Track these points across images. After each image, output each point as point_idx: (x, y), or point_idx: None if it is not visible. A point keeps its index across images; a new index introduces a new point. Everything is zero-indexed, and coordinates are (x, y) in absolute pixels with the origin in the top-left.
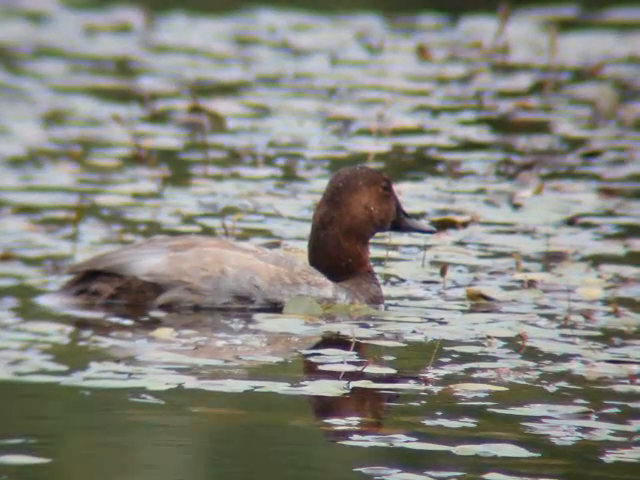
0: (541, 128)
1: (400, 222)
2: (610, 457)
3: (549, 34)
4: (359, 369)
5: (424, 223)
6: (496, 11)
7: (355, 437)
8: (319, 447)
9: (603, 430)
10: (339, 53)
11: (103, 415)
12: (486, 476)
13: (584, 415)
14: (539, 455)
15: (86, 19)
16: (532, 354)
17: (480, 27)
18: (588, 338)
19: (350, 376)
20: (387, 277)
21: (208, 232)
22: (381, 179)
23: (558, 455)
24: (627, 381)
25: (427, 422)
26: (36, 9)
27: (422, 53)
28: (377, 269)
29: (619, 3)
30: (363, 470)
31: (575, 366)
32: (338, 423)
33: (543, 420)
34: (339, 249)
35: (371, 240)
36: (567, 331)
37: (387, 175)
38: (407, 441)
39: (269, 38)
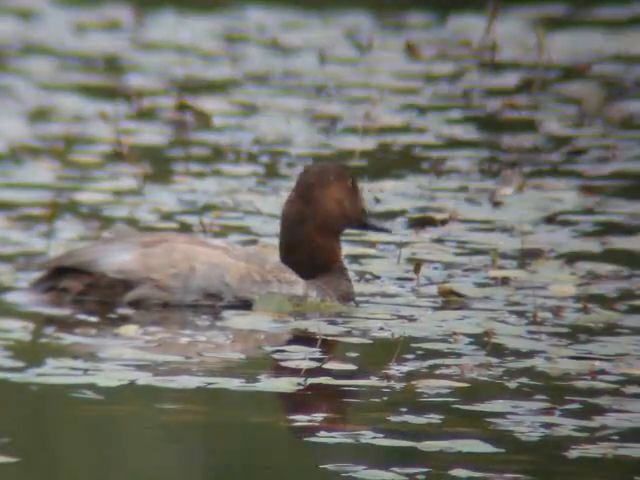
0: (528, 126)
1: (365, 220)
2: (574, 452)
3: (537, 32)
4: (321, 366)
5: (384, 222)
6: (484, 9)
7: (320, 434)
8: (283, 444)
9: (566, 426)
10: (328, 51)
11: (47, 411)
12: (452, 472)
13: (548, 411)
14: (504, 451)
15: (75, 16)
16: (497, 350)
17: (469, 25)
18: (554, 335)
19: (311, 373)
20: (362, 274)
21: (186, 229)
22: (348, 174)
23: (523, 450)
24: (589, 377)
25: (392, 418)
26: (25, 6)
27: (411, 51)
28: (353, 266)
29: (607, 1)
30: (329, 467)
31: (539, 362)
32: (301, 420)
33: (507, 416)
34: (314, 246)
35: (352, 238)
36: (534, 328)
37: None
38: (373, 437)
39: (258, 36)
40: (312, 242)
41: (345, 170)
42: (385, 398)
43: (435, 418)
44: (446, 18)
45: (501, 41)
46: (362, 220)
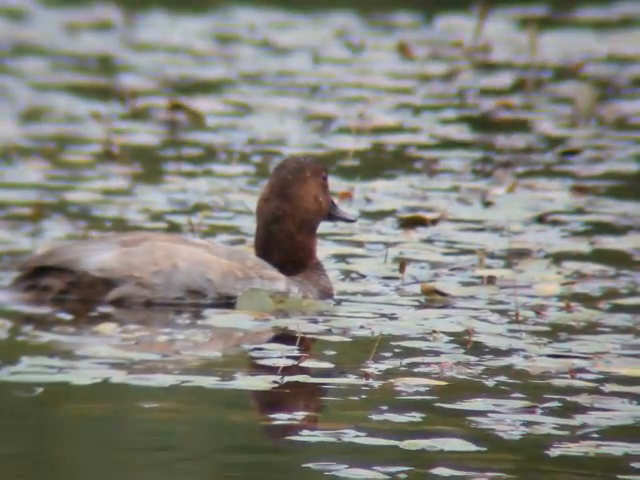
0: (522, 126)
1: (332, 211)
2: (555, 451)
3: (529, 32)
4: (298, 364)
5: (349, 212)
6: (469, 9)
7: (301, 433)
8: (265, 443)
9: (547, 424)
10: (321, 51)
11: (20, 410)
12: (433, 470)
13: (528, 409)
14: (485, 449)
15: (66, 16)
16: (477, 349)
17: (456, 25)
18: (535, 333)
19: (289, 371)
20: (348, 273)
21: (175, 229)
22: (322, 169)
23: (504, 449)
24: (568, 375)
25: (372, 417)
26: (15, 6)
27: (403, 51)
28: (340, 265)
29: (588, 2)
30: (311, 466)
31: (518, 361)
32: (279, 419)
33: (488, 414)
34: (293, 243)
35: (340, 237)
36: (515, 326)
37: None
38: (355, 436)
39: (250, 36)
40: (291, 240)
41: (319, 165)
42: (364, 396)
43: (416, 417)
44: (432, 18)
45: (492, 41)
46: (331, 212)
